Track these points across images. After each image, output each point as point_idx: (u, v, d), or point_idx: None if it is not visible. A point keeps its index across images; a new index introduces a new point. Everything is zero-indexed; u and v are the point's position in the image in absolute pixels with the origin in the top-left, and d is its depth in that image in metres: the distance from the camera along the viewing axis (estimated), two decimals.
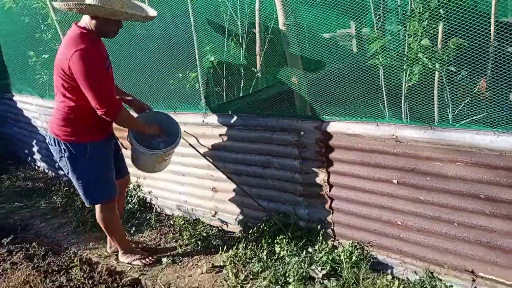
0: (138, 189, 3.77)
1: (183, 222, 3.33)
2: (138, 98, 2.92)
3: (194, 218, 3.41)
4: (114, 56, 3.21)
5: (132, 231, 3.36)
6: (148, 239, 3.25)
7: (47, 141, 2.64)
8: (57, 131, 2.54)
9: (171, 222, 3.43)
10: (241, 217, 3.11)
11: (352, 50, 4.74)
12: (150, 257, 2.93)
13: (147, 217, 3.53)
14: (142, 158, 2.74)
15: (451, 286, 2.22)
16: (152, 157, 2.70)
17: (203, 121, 3.10)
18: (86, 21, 2.39)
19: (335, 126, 2.49)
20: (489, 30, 3.34)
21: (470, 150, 2.03)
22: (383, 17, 3.75)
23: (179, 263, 2.89)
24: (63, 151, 2.54)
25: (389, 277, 2.40)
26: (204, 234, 3.12)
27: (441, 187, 2.15)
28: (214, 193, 3.21)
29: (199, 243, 3.04)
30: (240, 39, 3.77)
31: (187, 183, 3.38)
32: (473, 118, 2.52)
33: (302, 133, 2.62)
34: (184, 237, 3.13)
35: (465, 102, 2.62)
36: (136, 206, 3.68)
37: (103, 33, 2.43)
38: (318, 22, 3.59)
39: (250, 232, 2.95)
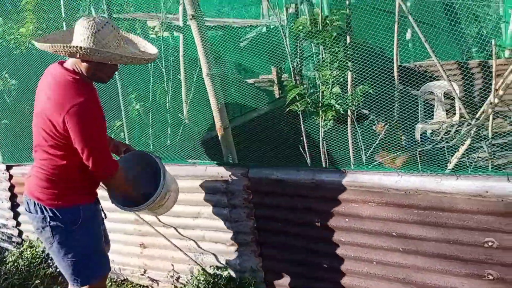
0: None
1: (110, 283, 3.18)
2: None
3: (122, 278, 3.27)
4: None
5: None
6: None
7: (24, 208, 2.18)
8: (40, 194, 2.07)
9: None
10: (172, 273, 3.04)
11: (274, 96, 4.95)
12: None
13: None
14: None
15: None
16: (142, 210, 2.36)
17: None
18: (74, 62, 1.99)
19: (260, 173, 2.57)
20: (393, 75, 3.68)
21: (380, 190, 2.20)
22: (300, 64, 4.01)
23: None
24: (47, 219, 2.06)
25: None
26: None
27: (358, 227, 2.28)
28: (142, 249, 3.12)
29: None
30: (166, 86, 3.83)
31: (113, 240, 3.24)
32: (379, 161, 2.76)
33: (230, 180, 2.69)
34: None
35: (374, 145, 2.87)
36: (57, 269, 3.44)
37: (97, 78, 2.04)
38: (239, 69, 3.76)
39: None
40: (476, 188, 1.93)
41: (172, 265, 3.02)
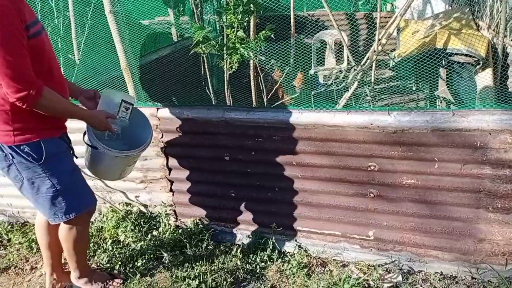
0: None
1: (9, 227, 3.06)
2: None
3: (23, 221, 3.15)
4: None
5: None
6: None
7: None
8: None
9: None
10: None
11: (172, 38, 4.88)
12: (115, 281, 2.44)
13: None
14: (107, 162, 2.21)
15: (278, 242, 2.63)
16: (123, 159, 2.21)
17: None
18: None
19: (170, 112, 2.63)
20: (290, 23, 3.88)
21: (283, 126, 2.44)
22: (200, 6, 4.02)
23: (14, 270, 2.68)
24: (10, 157, 1.89)
25: (228, 244, 2.72)
26: None
27: (264, 159, 2.52)
28: None
29: (33, 246, 2.85)
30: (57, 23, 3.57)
31: (9, 184, 3.07)
32: (286, 100, 3.01)
33: None
34: (14, 242, 2.89)
35: (275, 86, 3.10)
36: None
37: None
38: (139, 8, 3.64)
39: (91, 225, 2.91)
40: (363, 121, 2.26)
41: None
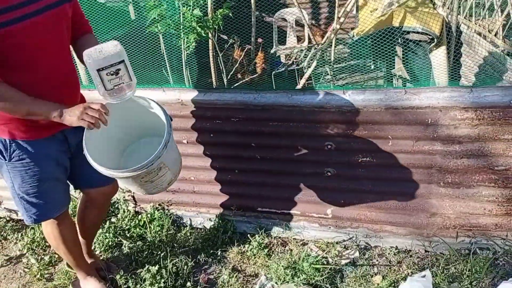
0: None
1: None
2: None
3: None
4: None
5: None
6: None
7: None
8: None
9: None
10: None
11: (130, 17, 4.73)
12: None
13: None
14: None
15: (238, 224, 2.63)
16: (127, 178, 1.71)
17: None
18: None
19: None
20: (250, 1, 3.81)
21: (241, 107, 2.41)
22: None
23: None
24: None
25: (189, 228, 2.70)
26: None
27: (223, 140, 2.50)
28: None
29: None
30: None
31: None
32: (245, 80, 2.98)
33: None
34: None
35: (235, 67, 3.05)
36: None
37: None
38: None
39: None
40: (319, 100, 2.26)
41: None
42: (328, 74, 3.62)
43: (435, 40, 3.08)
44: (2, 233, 2.81)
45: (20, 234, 2.71)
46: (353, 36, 3.69)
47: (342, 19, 3.19)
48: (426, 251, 2.31)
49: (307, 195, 2.46)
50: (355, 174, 2.34)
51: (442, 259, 2.22)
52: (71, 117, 1.61)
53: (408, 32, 3.20)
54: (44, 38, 1.63)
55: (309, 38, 4.20)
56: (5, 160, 1.77)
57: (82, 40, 1.82)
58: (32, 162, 1.78)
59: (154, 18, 2.73)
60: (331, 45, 3.36)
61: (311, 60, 3.27)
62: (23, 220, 2.82)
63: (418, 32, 3.12)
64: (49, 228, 2.03)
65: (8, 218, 2.96)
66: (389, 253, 2.33)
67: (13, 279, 2.45)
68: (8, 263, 2.57)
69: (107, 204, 2.30)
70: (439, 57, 3.07)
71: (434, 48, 3.11)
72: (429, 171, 2.20)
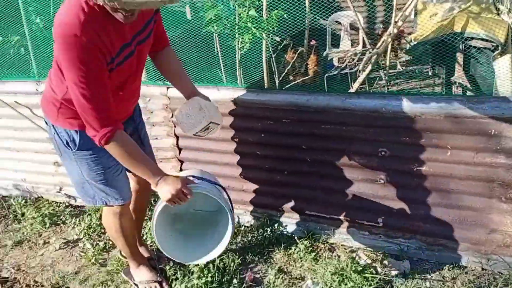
0: None
1: (23, 201, 3.11)
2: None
3: (36, 196, 3.21)
4: None
5: None
6: None
7: None
8: (45, 107, 1.88)
9: (9, 203, 3.16)
10: None
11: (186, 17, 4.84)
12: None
13: None
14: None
15: (286, 225, 2.64)
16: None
17: (36, 89, 2.89)
18: None
19: None
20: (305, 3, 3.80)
21: (293, 108, 2.41)
22: None
23: (27, 244, 2.74)
24: (52, 132, 1.89)
25: (236, 225, 2.72)
26: (51, 211, 2.98)
27: (273, 141, 2.50)
28: (57, 167, 3.06)
29: (46, 221, 2.90)
30: None
31: (24, 159, 3.14)
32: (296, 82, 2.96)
33: (148, 99, 2.70)
34: (28, 217, 2.94)
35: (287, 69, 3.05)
36: None
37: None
38: None
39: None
40: (374, 105, 2.21)
41: None
42: (382, 78, 3.54)
43: (500, 47, 2.94)
44: (61, 217, 2.96)
45: (77, 220, 2.85)
46: (411, 41, 3.58)
47: (399, 23, 3.11)
48: (483, 269, 2.20)
49: (358, 202, 2.41)
50: (409, 183, 2.27)
51: (501, 279, 2.11)
52: (164, 193, 1.78)
53: (471, 39, 3.07)
54: (136, 66, 1.82)
55: (364, 42, 4.13)
56: (72, 150, 1.88)
57: (163, 54, 2.01)
58: (97, 153, 1.88)
59: (211, 18, 2.78)
60: (386, 50, 3.28)
61: (366, 64, 3.21)
62: (81, 206, 2.99)
63: (481, 39, 2.98)
64: (110, 219, 2.12)
65: (67, 204, 3.12)
66: (443, 268, 2.24)
67: (70, 261, 2.58)
68: (66, 246, 2.70)
69: (150, 190, 2.35)
70: (503, 66, 2.92)
71: (498, 56, 2.96)
72: (491, 185, 2.10)
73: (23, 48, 3.21)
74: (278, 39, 3.70)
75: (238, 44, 2.80)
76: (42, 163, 3.10)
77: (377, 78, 3.52)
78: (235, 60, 2.82)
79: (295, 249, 2.44)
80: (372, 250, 2.40)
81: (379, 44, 3.31)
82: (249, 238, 2.56)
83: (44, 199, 3.17)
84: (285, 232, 2.61)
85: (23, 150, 3.11)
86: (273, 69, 3.06)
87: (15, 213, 3.05)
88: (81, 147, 1.86)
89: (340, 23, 4.57)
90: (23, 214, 3.01)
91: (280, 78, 3.06)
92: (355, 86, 3.09)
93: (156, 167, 1.84)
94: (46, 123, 1.93)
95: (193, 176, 2.03)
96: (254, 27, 2.73)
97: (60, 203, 3.12)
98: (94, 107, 1.61)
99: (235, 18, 2.80)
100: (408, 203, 2.31)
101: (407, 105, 2.14)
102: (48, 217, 2.92)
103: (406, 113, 2.14)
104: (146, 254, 2.41)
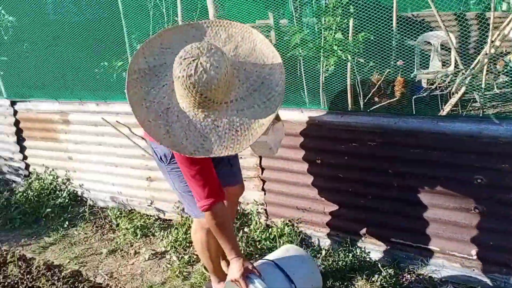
0: (67, 182, 3.72)
1: (118, 213, 3.37)
2: None
3: (130, 208, 3.46)
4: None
5: (65, 225, 3.33)
6: (84, 232, 3.25)
7: None
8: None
9: (106, 214, 3.44)
10: (178, 204, 3.23)
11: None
12: None
13: (80, 211, 3.51)
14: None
15: (369, 252, 2.56)
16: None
17: None
18: None
19: None
20: (392, 24, 3.72)
21: (380, 131, 2.35)
22: (299, 9, 4.03)
23: (120, 253, 2.95)
24: (152, 149, 2.08)
25: (317, 248, 2.69)
26: (142, 223, 3.19)
27: (357, 164, 2.46)
28: (149, 182, 3.29)
29: (138, 232, 3.10)
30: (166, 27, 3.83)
31: (121, 174, 3.42)
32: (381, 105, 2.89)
33: None
34: (122, 228, 3.18)
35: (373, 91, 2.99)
36: (67, 200, 3.62)
37: None
38: (242, 12, 3.76)
39: (186, 218, 3.09)
40: (470, 129, 2.09)
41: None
42: (476, 101, 3.32)
43: None
44: (151, 229, 3.15)
45: (166, 232, 3.01)
46: (510, 61, 3.34)
47: (497, 43, 2.92)
48: None
49: (449, 231, 2.26)
50: (508, 214, 2.09)
51: None
52: (233, 273, 1.90)
53: None
54: None
55: (456, 62, 3.91)
56: (165, 163, 2.03)
57: None
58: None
59: (296, 42, 2.83)
60: (481, 70, 3.08)
61: (459, 85, 3.04)
62: (169, 219, 3.15)
63: None
64: (199, 235, 2.21)
65: (157, 217, 3.32)
66: None
67: (157, 272, 2.72)
68: (154, 257, 2.87)
69: (236, 204, 2.50)
70: None
71: None
72: None
73: (125, 72, 3.55)
74: (362, 60, 3.66)
75: (322, 66, 2.82)
76: (136, 178, 3.34)
77: (471, 101, 3.31)
78: (319, 82, 2.84)
79: (378, 277, 2.34)
80: (464, 284, 2.22)
81: (473, 64, 3.13)
82: (330, 262, 2.50)
83: (137, 211, 3.41)
84: (368, 259, 2.52)
85: (121, 165, 3.39)
86: (358, 90, 3.02)
87: (110, 224, 3.31)
88: (172, 160, 1.98)
89: (429, 43, 4.39)
90: (117, 225, 3.26)
91: (365, 100, 3.01)
92: (447, 108, 2.94)
93: (237, 246, 1.95)
94: (146, 141, 2.09)
95: (268, 265, 2.04)
96: (340, 50, 2.74)
97: (151, 216, 3.33)
98: (200, 184, 1.81)
99: (320, 41, 2.83)
100: (506, 235, 2.12)
101: (506, 130, 1.99)
102: (139, 228, 3.13)
103: (506, 138, 1.99)
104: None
